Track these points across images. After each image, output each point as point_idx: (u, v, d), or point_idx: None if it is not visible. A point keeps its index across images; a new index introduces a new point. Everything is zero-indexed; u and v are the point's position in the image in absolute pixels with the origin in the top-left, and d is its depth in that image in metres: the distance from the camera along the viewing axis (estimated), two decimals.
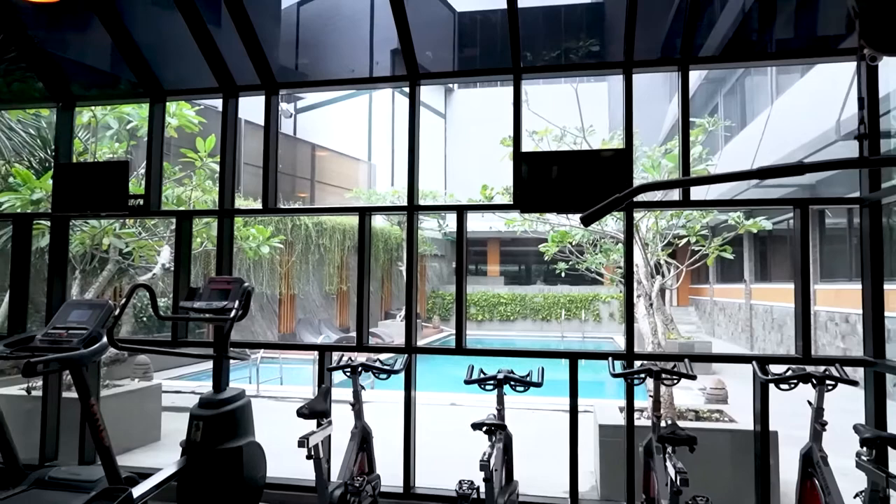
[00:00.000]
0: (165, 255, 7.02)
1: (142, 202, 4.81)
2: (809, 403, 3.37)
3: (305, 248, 16.26)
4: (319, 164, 19.99)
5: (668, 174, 5.93)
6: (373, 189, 20.12)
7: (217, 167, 6.83)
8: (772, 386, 3.59)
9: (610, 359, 3.90)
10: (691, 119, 4.99)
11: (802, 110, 11.60)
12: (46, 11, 5.57)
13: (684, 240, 6.77)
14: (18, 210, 5.46)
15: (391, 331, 17.63)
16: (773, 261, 17.12)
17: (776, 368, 3.70)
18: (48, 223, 5.52)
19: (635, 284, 5.71)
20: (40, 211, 5.47)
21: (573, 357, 4.24)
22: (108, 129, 6.73)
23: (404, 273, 19.66)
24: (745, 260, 18.11)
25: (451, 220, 21.10)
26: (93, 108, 6.32)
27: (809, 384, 3.39)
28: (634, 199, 4.25)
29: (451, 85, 26.03)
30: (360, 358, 4.22)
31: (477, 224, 22.26)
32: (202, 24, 4.55)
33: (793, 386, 3.47)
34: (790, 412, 4.29)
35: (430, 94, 24.68)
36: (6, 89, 5.79)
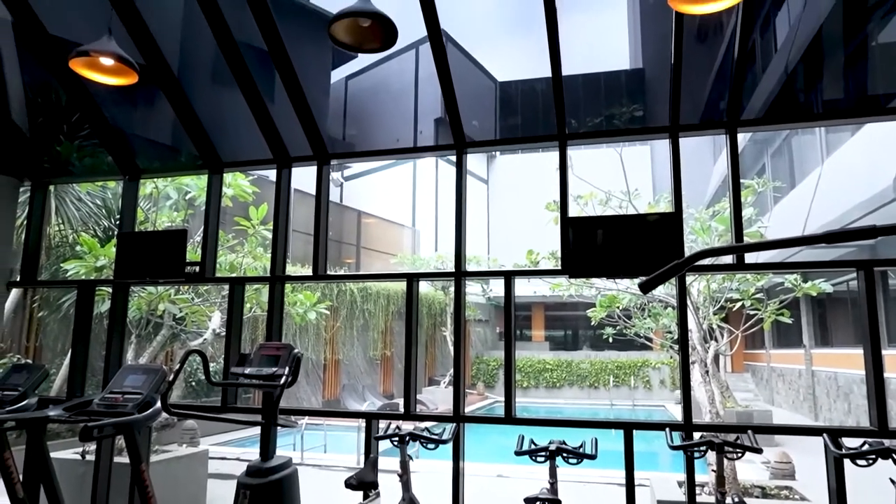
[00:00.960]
0: (216, 321, 7.18)
1: (198, 269, 4.97)
2: (892, 482, 3.12)
3: (350, 314, 16.40)
4: (365, 230, 20.43)
5: (718, 237, 5.81)
6: (416, 254, 20.34)
7: (267, 234, 7.04)
8: (846, 461, 3.34)
9: (667, 430, 3.73)
10: (740, 181, 4.92)
11: (855, 169, 11.33)
12: (117, 90, 6.01)
13: (738, 304, 6.55)
14: (83, 276, 5.71)
15: (435, 397, 17.36)
16: (833, 324, 16.34)
17: (849, 442, 3.46)
18: (110, 289, 5.74)
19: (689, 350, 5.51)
20: (103, 278, 5.71)
21: (628, 427, 4.06)
22: (167, 199, 7.07)
23: (448, 338, 19.55)
24: (804, 324, 17.34)
25: (494, 284, 21.03)
26: (155, 179, 6.67)
27: (889, 459, 3.15)
28: (714, 252, 4.16)
29: (493, 152, 26.56)
30: (408, 426, 4.15)
31: (521, 288, 22.06)
32: (259, 99, 4.81)
33: (871, 462, 3.22)
34: (868, 490, 3.98)
35: (472, 160, 25.18)
36: (79, 164, 6.18)
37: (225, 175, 5.74)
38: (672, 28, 3.96)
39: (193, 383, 12.47)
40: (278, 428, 3.84)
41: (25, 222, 5.96)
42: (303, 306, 7.79)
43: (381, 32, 2.87)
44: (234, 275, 6.45)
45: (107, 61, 3.37)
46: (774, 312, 6.34)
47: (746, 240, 5.30)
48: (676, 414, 17.05)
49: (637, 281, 6.62)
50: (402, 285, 17.67)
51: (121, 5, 4.35)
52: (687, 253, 4.62)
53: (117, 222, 7.16)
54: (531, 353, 23.94)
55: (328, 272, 4.99)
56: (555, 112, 4.34)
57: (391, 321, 18.02)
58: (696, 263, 1.67)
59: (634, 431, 4.05)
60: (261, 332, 12.90)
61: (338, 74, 17.77)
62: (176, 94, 4.87)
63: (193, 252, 6.67)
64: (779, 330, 19.70)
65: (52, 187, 6.62)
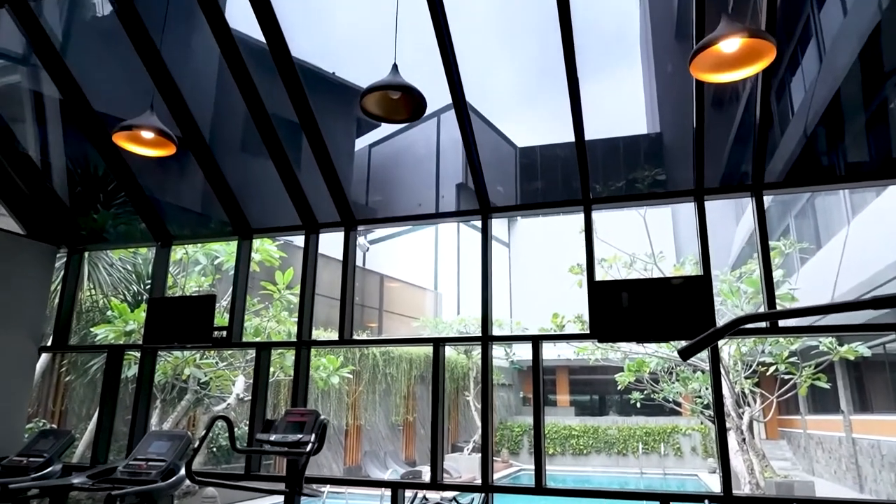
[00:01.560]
0: (240, 386, 7.16)
1: (225, 334, 5.01)
2: None
3: (372, 378, 16.23)
4: (387, 293, 20.50)
5: (748, 300, 5.72)
6: (439, 317, 20.27)
7: (292, 298, 7.11)
8: None
9: (706, 502, 3.57)
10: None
11: (883, 229, 11.18)
12: (152, 159, 6.26)
13: (771, 367, 6.37)
14: (112, 341, 5.77)
15: (459, 465, 16.86)
16: (872, 389, 15.72)
17: None
18: (137, 354, 5.79)
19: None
20: (132, 342, 5.76)
21: (664, 499, 3.90)
22: (196, 265, 7.21)
23: (472, 403, 19.16)
24: (840, 388, 16.71)
25: (517, 347, 20.74)
26: (185, 246, 6.83)
27: None
28: (753, 318, 4.09)
29: (517, 216, 26.81)
30: (434, 496, 4.03)
31: (545, 352, 21.75)
32: (288, 167, 4.96)
33: None
34: None
35: (494, 223, 25.38)
36: (113, 231, 6.38)
37: (253, 240, 5.87)
38: (693, 94, 4.05)
39: (215, 449, 12.31)
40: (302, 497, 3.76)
41: (59, 288, 6.10)
42: (326, 370, 7.76)
43: (410, 104, 2.98)
44: (260, 339, 6.48)
45: (148, 135, 3.54)
46: (810, 377, 6.15)
47: (778, 303, 5.21)
48: (710, 483, 16.30)
49: (668, 345, 6.50)
50: (424, 349, 17.50)
51: (162, 83, 4.59)
52: (717, 317, 4.55)
53: (147, 287, 7.29)
54: (556, 419, 23.30)
55: (352, 337, 4.99)
56: (578, 177, 4.41)
57: (413, 385, 17.78)
58: (762, 320, 1.65)
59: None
60: (283, 396, 12.80)
61: (361, 142, 18.30)
62: (208, 162, 5.05)
63: (220, 317, 6.74)
64: (814, 395, 19.00)
65: (86, 253, 6.81)
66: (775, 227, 18.74)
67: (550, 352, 21.93)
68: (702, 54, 2.67)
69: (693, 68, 2.78)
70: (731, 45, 2.62)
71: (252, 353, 5.31)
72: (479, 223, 4.79)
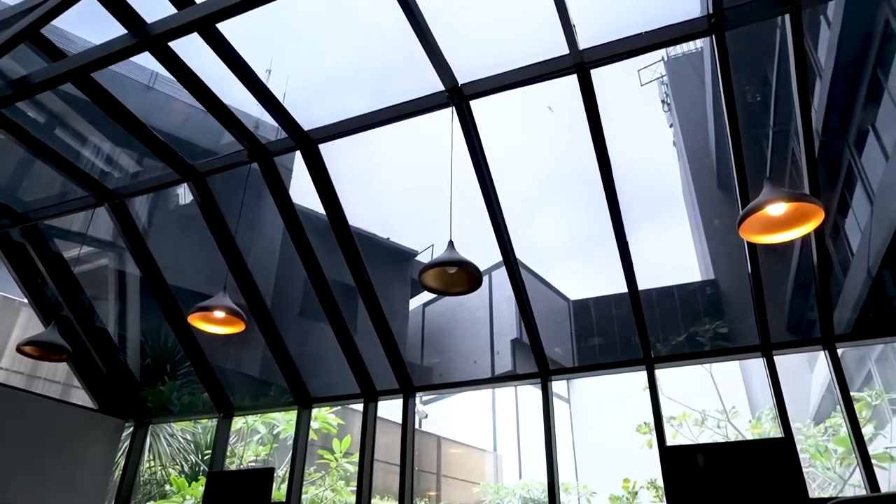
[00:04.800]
0: None
1: None
2: None
3: None
4: (445, 458, 19.64)
5: (838, 461, 5.24)
6: (500, 483, 19.06)
7: (349, 467, 6.92)
8: None
9: None
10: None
11: None
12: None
13: None
14: None
15: None
16: None
17: None
18: None
19: None
20: None
21: None
22: (255, 434, 7.19)
23: None
24: None
25: None
26: (246, 416, 6.88)
27: None
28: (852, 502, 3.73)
29: (577, 377, 26.04)
30: None
31: None
32: (347, 334, 5.10)
33: None
34: None
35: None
36: (177, 402, 6.53)
37: (312, 409, 5.88)
38: (746, 250, 4.07)
39: None
40: None
41: (123, 460, 6.14)
42: None
43: (467, 278, 3.11)
44: None
45: (220, 314, 3.76)
46: None
47: (875, 464, 4.76)
48: None
49: None
50: None
51: (233, 262, 4.96)
52: (808, 479, 4.15)
53: (204, 457, 7.25)
54: None
55: None
56: (636, 332, 4.36)
57: None
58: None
59: None
60: None
61: (415, 302, 18.72)
62: (271, 333, 5.25)
63: (277, 490, 6.57)
64: None
65: (150, 426, 6.93)
66: (856, 375, 17.49)
67: None
68: (749, 218, 2.74)
69: (742, 231, 2.84)
70: (777, 209, 2.69)
71: None
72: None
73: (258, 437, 7.15)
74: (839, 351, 4.10)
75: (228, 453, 7.41)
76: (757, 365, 4.18)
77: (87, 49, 3.49)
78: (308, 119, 4.65)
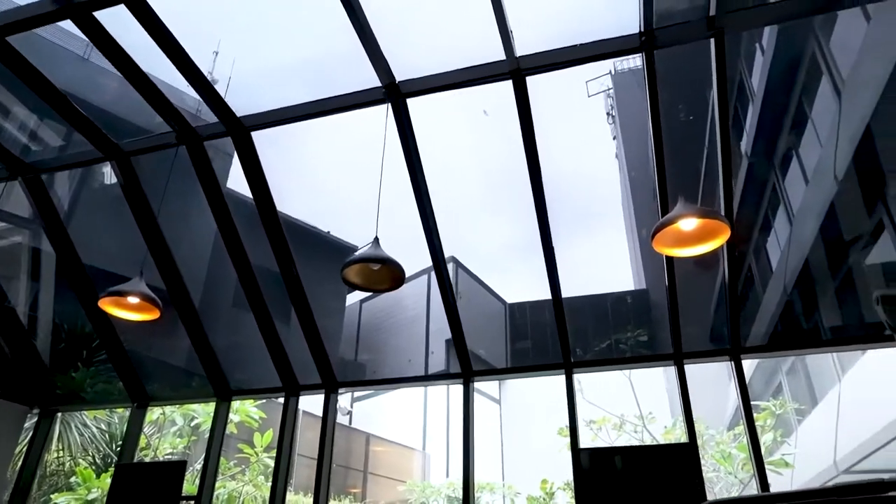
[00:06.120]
0: None
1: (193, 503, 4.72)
2: None
3: None
4: (373, 455, 19.54)
5: (741, 465, 5.52)
6: (427, 481, 19.12)
7: (270, 462, 6.78)
8: None
9: None
10: (756, 403, 4.78)
11: (876, 387, 11.06)
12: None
13: None
14: None
15: None
16: None
17: None
18: None
19: None
20: None
21: None
22: (173, 425, 6.96)
23: None
24: None
25: None
26: (163, 406, 6.65)
27: None
28: None
29: (501, 379, 26.39)
30: None
31: None
32: (271, 327, 4.99)
33: None
34: None
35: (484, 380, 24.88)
36: (90, 390, 6.24)
37: (232, 402, 5.74)
38: (664, 262, 4.23)
39: None
40: None
41: (25, 450, 5.82)
42: None
43: (390, 276, 3.11)
44: None
45: (133, 300, 3.62)
46: None
47: (771, 469, 5.04)
48: None
49: None
50: None
51: (155, 248, 4.78)
52: (708, 485, 4.35)
53: (118, 448, 6.97)
54: None
55: (332, 503, 4.71)
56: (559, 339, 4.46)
57: None
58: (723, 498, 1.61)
59: None
60: None
61: (353, 297, 18.53)
62: (193, 323, 5.09)
63: (192, 484, 6.38)
64: None
65: (59, 414, 6.60)
66: (767, 386, 18.46)
67: None
68: (661, 232, 2.85)
69: (655, 244, 2.95)
70: (687, 224, 2.81)
71: None
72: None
73: (175, 429, 6.92)
74: (754, 362, 4.33)
75: (144, 445, 7.14)
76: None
77: (1, 11, 3.30)
78: (248, 105, 4.54)
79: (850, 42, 6.93)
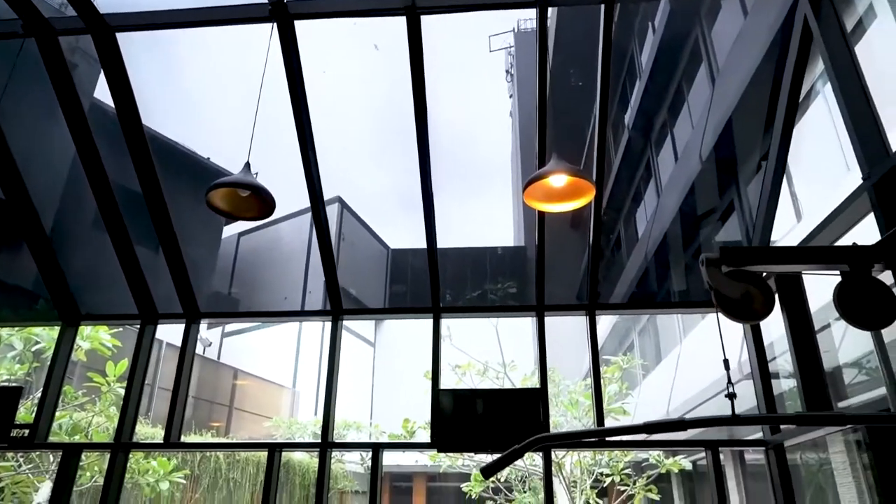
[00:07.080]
0: (44, 493, 6.22)
1: (27, 433, 4.39)
2: None
3: (213, 484, 14.75)
4: (240, 390, 19.18)
5: (585, 412, 6.02)
6: (294, 418, 19.15)
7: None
8: None
9: None
10: (608, 357, 5.17)
11: (708, 348, 12.42)
12: None
13: (609, 478, 6.64)
14: None
15: None
16: (701, 499, 16.76)
17: None
18: None
19: None
20: None
21: None
22: (11, 350, 6.38)
23: None
24: (675, 498, 17.65)
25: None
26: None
27: None
28: (549, 439, 4.23)
29: (371, 319, 26.68)
30: None
31: (401, 457, 21.16)
32: (129, 248, 4.63)
33: None
34: None
35: (361, 322, 25.10)
36: None
37: (84, 328, 5.35)
38: (536, 216, 4.41)
39: None
40: None
41: None
42: (155, 474, 6.98)
43: (258, 204, 2.98)
44: (69, 440, 5.74)
45: None
46: (643, 488, 6.46)
47: (610, 416, 5.53)
48: None
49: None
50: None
51: None
52: (555, 428, 4.70)
53: None
54: None
55: (191, 436, 4.58)
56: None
57: (258, 492, 16.35)
58: (558, 441, 1.72)
59: None
60: None
61: (230, 230, 17.72)
62: (37, 240, 4.62)
63: (29, 413, 5.93)
64: None
65: None
66: (623, 343, 20.18)
67: (408, 457, 21.32)
68: (532, 186, 2.94)
69: (526, 196, 3.05)
70: (557, 180, 2.93)
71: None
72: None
73: (14, 354, 6.34)
74: (612, 322, 4.68)
75: None
76: (548, 323, 4.58)
77: None
78: (116, 3, 4.08)
79: (729, 33, 7.42)
